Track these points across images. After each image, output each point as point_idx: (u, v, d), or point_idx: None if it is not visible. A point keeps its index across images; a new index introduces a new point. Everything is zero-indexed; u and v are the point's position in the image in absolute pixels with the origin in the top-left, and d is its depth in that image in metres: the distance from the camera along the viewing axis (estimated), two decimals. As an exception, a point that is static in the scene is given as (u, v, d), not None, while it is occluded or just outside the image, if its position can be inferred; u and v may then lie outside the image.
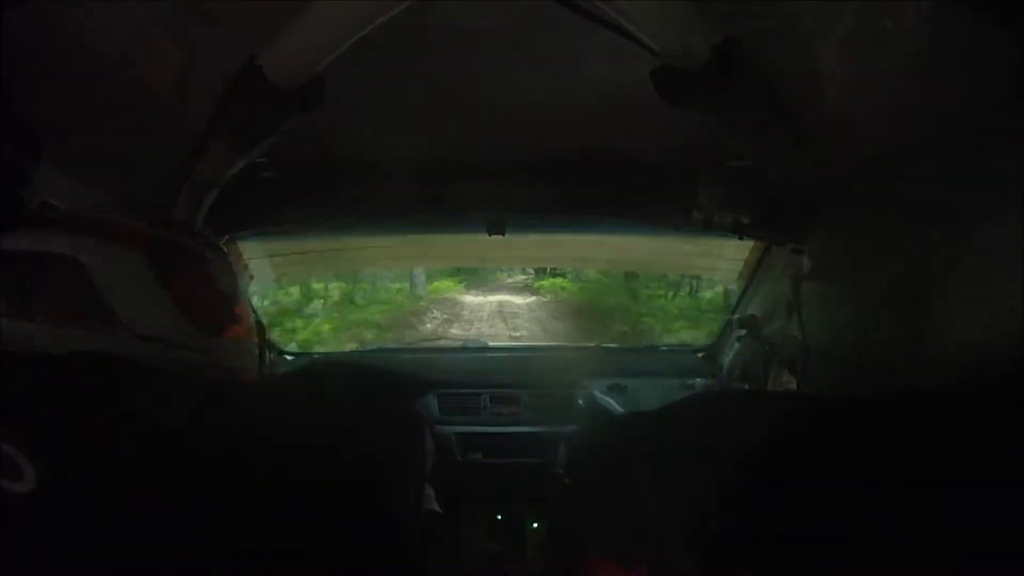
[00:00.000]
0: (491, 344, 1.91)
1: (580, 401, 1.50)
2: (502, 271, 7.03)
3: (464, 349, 1.87)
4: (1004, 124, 0.49)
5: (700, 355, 1.74)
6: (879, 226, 0.49)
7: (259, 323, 0.67)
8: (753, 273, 1.50)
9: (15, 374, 0.46)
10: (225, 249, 1.34)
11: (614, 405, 1.41)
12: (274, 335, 1.73)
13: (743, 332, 1.42)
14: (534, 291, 6.82)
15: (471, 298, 6.71)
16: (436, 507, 0.85)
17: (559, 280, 6.57)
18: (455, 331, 5.28)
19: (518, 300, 6.68)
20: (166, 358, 0.53)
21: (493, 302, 6.61)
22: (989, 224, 0.43)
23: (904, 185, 0.49)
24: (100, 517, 0.42)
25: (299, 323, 4.56)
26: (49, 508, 0.42)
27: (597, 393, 1.48)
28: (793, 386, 0.71)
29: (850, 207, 0.55)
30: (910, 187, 0.48)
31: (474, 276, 6.93)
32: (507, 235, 1.40)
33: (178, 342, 0.54)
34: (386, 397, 0.77)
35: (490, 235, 1.39)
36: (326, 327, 4.81)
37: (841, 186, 0.80)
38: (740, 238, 1.25)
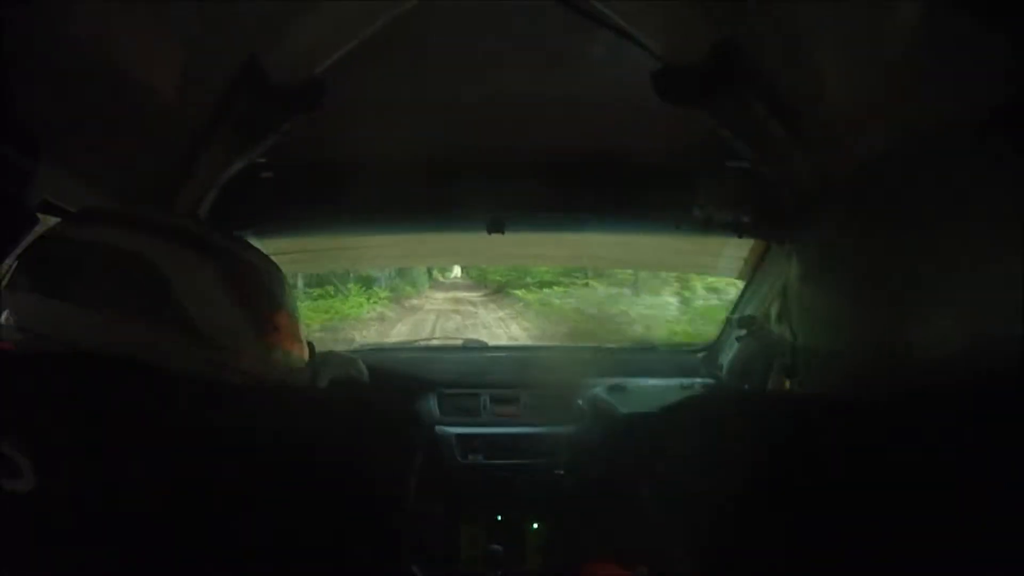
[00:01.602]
0: (491, 344, 1.90)
1: (580, 401, 1.50)
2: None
3: (464, 348, 1.86)
4: (1001, 125, 0.49)
5: (700, 355, 1.74)
6: (870, 227, 0.49)
7: (311, 342, 0.67)
8: (753, 273, 1.50)
9: (14, 373, 0.46)
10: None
11: (614, 405, 1.41)
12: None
13: (742, 332, 1.42)
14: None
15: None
16: (436, 510, 0.85)
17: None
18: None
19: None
20: (229, 364, 0.53)
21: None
22: (982, 227, 0.43)
23: (897, 186, 0.49)
24: (99, 517, 0.42)
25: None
26: (48, 507, 0.42)
27: (597, 393, 1.48)
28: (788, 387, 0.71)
29: (841, 207, 0.55)
30: (904, 188, 0.48)
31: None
32: (507, 234, 1.40)
33: (244, 350, 0.54)
34: (385, 397, 0.77)
35: (490, 233, 1.40)
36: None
37: (833, 187, 0.80)
38: (740, 237, 1.25)
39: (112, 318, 0.48)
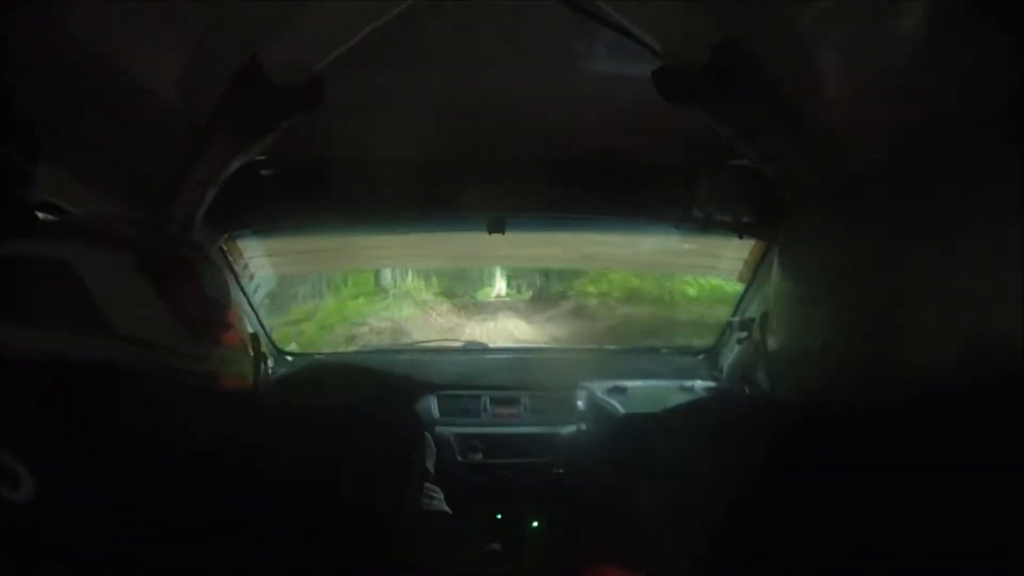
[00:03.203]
0: (491, 346, 1.90)
1: (580, 403, 1.50)
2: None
3: (464, 350, 1.87)
4: (1003, 126, 0.49)
5: (700, 357, 1.74)
6: (860, 228, 0.49)
7: (255, 333, 0.67)
8: (754, 275, 1.50)
9: (14, 381, 0.46)
10: (223, 248, 1.34)
11: (614, 407, 1.41)
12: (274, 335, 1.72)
13: (743, 334, 1.42)
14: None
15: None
16: (445, 507, 0.85)
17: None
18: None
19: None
20: (156, 362, 0.52)
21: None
22: (974, 232, 0.42)
23: (887, 189, 0.49)
24: (98, 527, 0.42)
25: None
26: (48, 518, 0.42)
27: (597, 395, 1.48)
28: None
29: (826, 209, 0.55)
30: (893, 190, 0.48)
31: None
32: (507, 234, 1.40)
33: (170, 347, 0.53)
34: (385, 399, 0.77)
35: (490, 233, 1.40)
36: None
37: (820, 189, 0.80)
38: (740, 238, 1.25)
39: (34, 328, 0.48)
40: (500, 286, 6.18)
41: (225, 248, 1.37)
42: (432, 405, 1.53)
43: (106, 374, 0.48)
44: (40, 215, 0.65)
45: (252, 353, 0.64)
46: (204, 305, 0.57)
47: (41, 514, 0.41)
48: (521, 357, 1.94)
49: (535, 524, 1.45)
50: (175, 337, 0.53)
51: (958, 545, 0.36)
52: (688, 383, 1.48)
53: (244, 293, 1.47)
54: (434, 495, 0.85)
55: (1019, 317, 0.39)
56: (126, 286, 0.51)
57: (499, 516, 1.45)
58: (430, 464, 0.94)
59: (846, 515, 0.39)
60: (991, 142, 0.46)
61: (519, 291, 6.19)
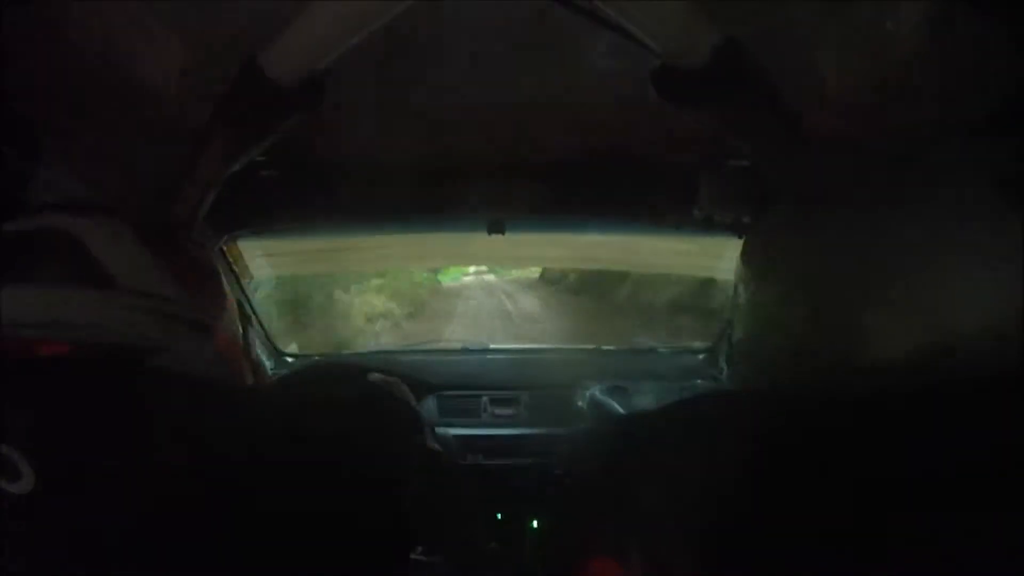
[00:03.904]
0: (491, 346, 1.90)
1: (580, 402, 1.50)
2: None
3: (464, 351, 1.87)
4: (1001, 126, 0.49)
5: (700, 356, 1.74)
6: (824, 223, 0.49)
7: (245, 333, 0.70)
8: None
9: (14, 375, 0.46)
10: (223, 250, 1.35)
11: (614, 406, 1.41)
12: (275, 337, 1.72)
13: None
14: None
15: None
16: (443, 509, 0.85)
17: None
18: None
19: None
20: (160, 311, 0.55)
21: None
22: (947, 226, 0.42)
23: (843, 189, 0.49)
24: (98, 519, 0.42)
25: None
26: (48, 510, 0.42)
27: (597, 394, 1.48)
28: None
29: (788, 206, 0.54)
30: (850, 190, 0.48)
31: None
32: (507, 234, 1.40)
33: (169, 296, 0.56)
34: (385, 399, 0.77)
35: (490, 234, 1.40)
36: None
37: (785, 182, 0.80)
38: (740, 237, 1.25)
39: (52, 289, 0.51)
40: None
41: (225, 249, 1.37)
42: (432, 406, 1.53)
43: (106, 368, 0.48)
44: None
45: (242, 354, 0.66)
46: (193, 266, 0.60)
47: (40, 507, 0.41)
48: (521, 357, 1.94)
49: (535, 524, 1.45)
50: (169, 288, 0.56)
51: (948, 543, 0.36)
52: (688, 382, 1.48)
53: (244, 294, 1.47)
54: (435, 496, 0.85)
55: (992, 315, 0.40)
56: (122, 248, 0.55)
57: (499, 516, 1.45)
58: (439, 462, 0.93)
59: (843, 511, 0.39)
60: (963, 143, 0.46)
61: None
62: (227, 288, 0.65)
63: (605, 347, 1.88)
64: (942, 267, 0.42)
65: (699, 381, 1.51)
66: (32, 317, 0.50)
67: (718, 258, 1.62)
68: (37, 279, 0.51)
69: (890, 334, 0.43)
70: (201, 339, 0.58)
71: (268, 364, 1.61)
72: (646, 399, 1.41)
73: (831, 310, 0.46)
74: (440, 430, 1.47)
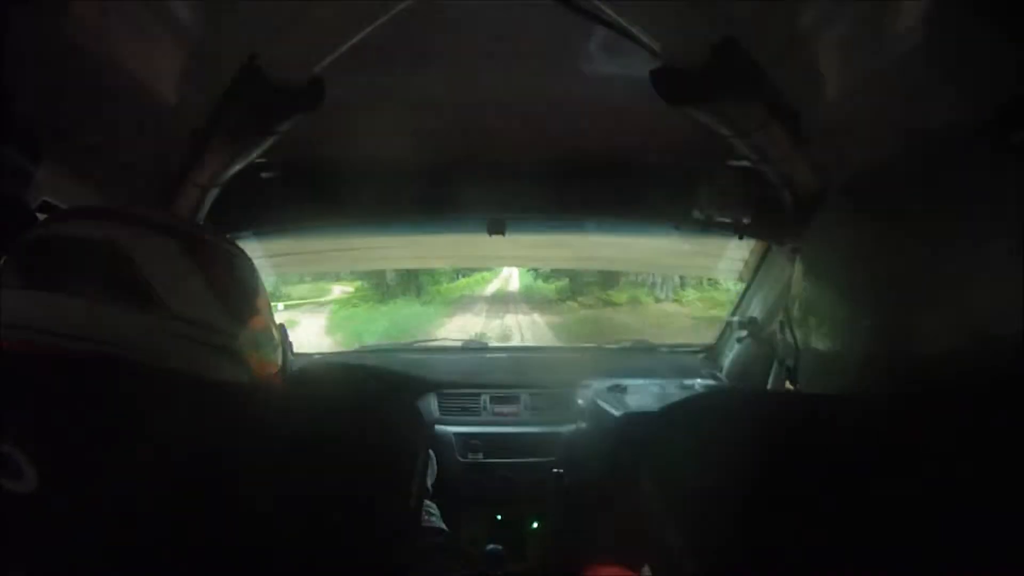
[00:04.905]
0: (491, 344, 1.90)
1: (580, 401, 1.50)
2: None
3: (464, 349, 1.87)
4: (1002, 126, 0.49)
5: (700, 356, 1.74)
6: (873, 228, 0.49)
7: (282, 324, 0.69)
8: (754, 274, 1.50)
9: (16, 373, 0.46)
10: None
11: (614, 406, 1.41)
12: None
13: (743, 333, 1.42)
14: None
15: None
16: (441, 524, 0.84)
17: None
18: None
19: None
20: (202, 340, 0.54)
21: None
22: (983, 229, 0.43)
23: (902, 188, 0.49)
24: (101, 519, 0.42)
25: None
26: (50, 510, 0.42)
27: (597, 394, 1.48)
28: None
29: (845, 209, 0.55)
30: (908, 190, 0.48)
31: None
32: (507, 235, 1.40)
33: (214, 325, 0.55)
34: (386, 397, 0.77)
35: (490, 235, 1.40)
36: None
37: (839, 187, 0.80)
38: (740, 238, 1.25)
39: (92, 303, 0.50)
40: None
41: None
42: (432, 404, 1.53)
43: (107, 367, 0.48)
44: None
45: (278, 340, 0.65)
46: (239, 289, 0.59)
47: (43, 506, 0.41)
48: (521, 356, 1.94)
49: (535, 524, 1.45)
50: (218, 314, 0.55)
51: (959, 544, 0.36)
52: (688, 382, 1.48)
53: None
54: (431, 512, 0.84)
55: None
56: (169, 266, 0.53)
57: (499, 516, 1.45)
58: (430, 481, 0.93)
59: (848, 509, 0.39)
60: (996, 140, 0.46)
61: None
62: (267, 301, 0.64)
63: (605, 346, 1.88)
64: (993, 265, 0.42)
65: (699, 381, 1.50)
66: (67, 328, 0.49)
67: (718, 259, 1.62)
68: (76, 290, 0.50)
69: (945, 332, 0.43)
70: (241, 371, 0.57)
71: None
72: (646, 399, 1.41)
73: (889, 311, 0.46)
74: (440, 428, 1.47)
